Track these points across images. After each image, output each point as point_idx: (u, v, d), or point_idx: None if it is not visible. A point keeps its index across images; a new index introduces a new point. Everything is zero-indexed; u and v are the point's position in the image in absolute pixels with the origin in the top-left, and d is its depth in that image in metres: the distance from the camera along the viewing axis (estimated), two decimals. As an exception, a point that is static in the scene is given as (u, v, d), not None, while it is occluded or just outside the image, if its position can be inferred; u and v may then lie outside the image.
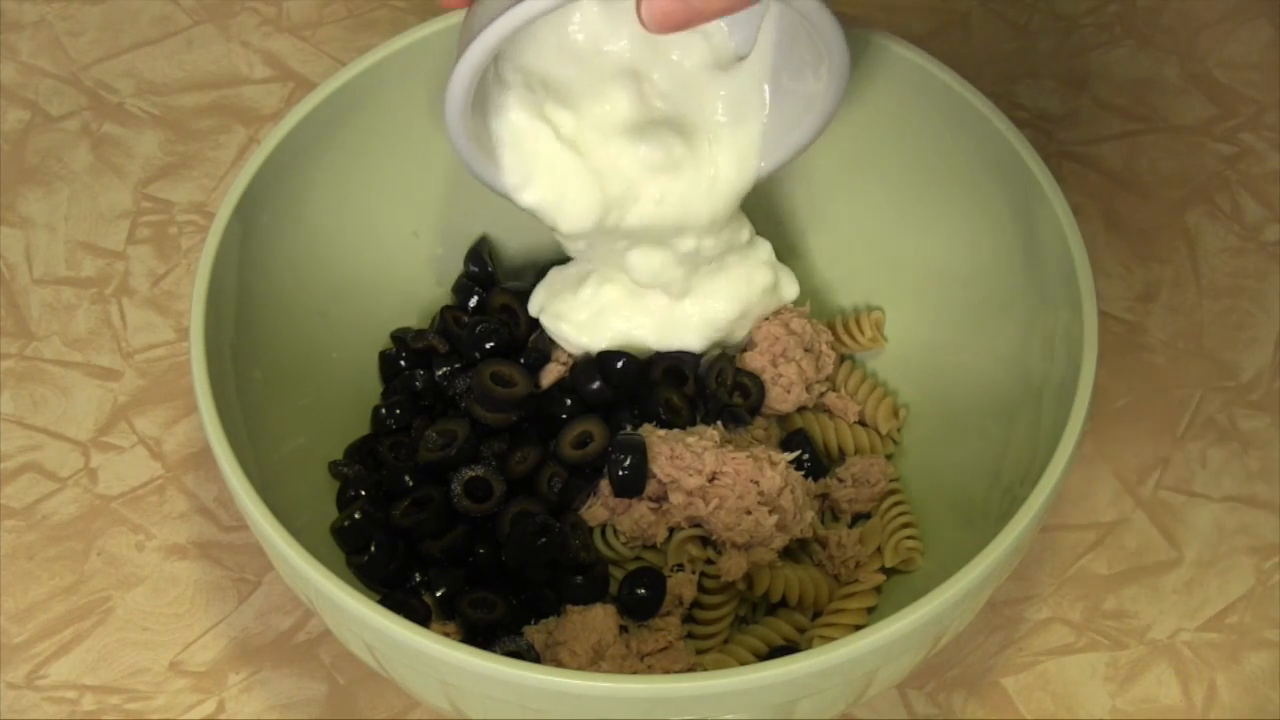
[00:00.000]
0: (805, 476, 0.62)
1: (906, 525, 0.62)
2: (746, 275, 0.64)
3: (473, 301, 0.68)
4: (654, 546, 0.61)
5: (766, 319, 0.65)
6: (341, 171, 0.64)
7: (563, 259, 0.66)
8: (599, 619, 0.58)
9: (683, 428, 0.62)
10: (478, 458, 0.61)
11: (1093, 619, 0.65)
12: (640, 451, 0.59)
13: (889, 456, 0.65)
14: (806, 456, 0.63)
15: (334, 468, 0.63)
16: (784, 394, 0.64)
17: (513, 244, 0.70)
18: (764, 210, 0.70)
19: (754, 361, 0.64)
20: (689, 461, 0.59)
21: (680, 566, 0.60)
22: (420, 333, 0.66)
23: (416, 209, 0.67)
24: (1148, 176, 0.79)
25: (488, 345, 0.64)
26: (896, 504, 0.63)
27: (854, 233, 0.68)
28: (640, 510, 0.60)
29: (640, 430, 0.61)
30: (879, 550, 0.62)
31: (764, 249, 0.65)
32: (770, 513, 0.59)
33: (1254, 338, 0.73)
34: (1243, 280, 0.75)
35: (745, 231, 0.64)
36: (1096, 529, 0.67)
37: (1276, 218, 0.77)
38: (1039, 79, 0.82)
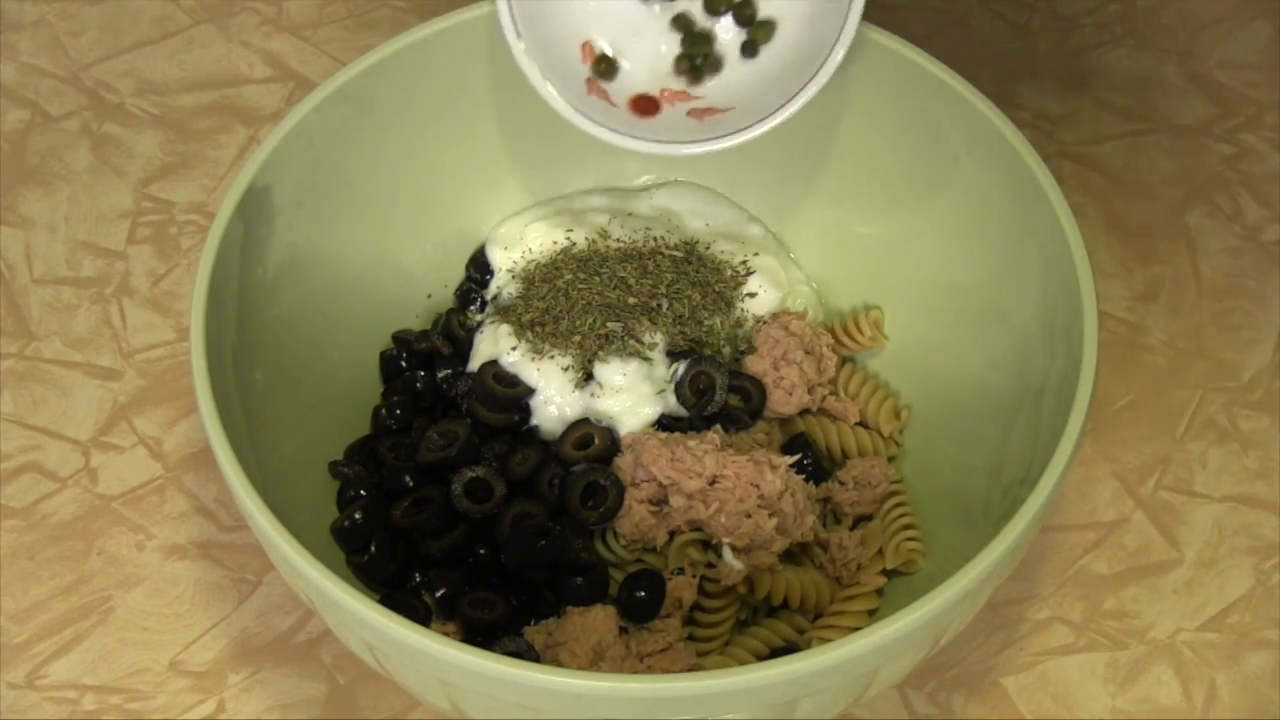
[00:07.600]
0: (807, 480, 0.62)
1: (908, 527, 0.62)
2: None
3: (474, 306, 0.68)
4: (654, 549, 0.61)
5: (766, 322, 0.65)
6: (341, 171, 0.64)
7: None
8: (599, 620, 0.58)
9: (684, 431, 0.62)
10: (478, 458, 0.61)
11: (1093, 619, 0.65)
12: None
13: (891, 458, 0.65)
14: (808, 461, 0.63)
15: (334, 468, 0.62)
16: (786, 397, 0.64)
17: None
18: (764, 210, 0.70)
19: (755, 365, 0.64)
20: (689, 464, 0.59)
21: (681, 570, 0.60)
22: (424, 334, 0.66)
23: (417, 209, 0.67)
24: (1148, 176, 0.79)
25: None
26: (898, 505, 0.63)
27: (854, 233, 0.68)
28: (640, 513, 0.60)
29: (641, 434, 0.61)
30: (880, 553, 0.62)
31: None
32: (770, 516, 0.59)
33: (1254, 338, 0.73)
34: (1243, 280, 0.75)
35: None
36: (1096, 529, 0.67)
37: (1276, 218, 0.77)
38: (1039, 79, 0.82)
